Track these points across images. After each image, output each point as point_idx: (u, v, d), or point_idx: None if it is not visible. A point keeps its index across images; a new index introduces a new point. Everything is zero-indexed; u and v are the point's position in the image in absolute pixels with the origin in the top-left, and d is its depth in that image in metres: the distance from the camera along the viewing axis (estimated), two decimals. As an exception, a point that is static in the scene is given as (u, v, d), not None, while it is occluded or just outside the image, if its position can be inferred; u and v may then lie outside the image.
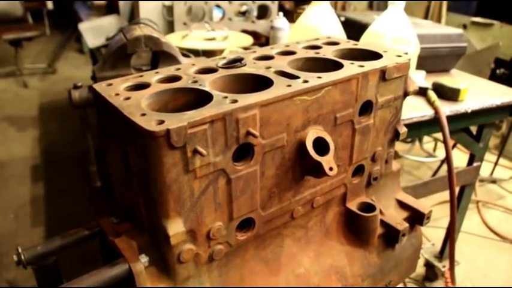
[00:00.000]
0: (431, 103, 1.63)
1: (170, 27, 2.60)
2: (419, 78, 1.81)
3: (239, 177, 0.74)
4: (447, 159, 1.60)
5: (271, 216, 0.83)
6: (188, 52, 1.80)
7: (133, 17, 2.88)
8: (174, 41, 2.10)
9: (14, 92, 5.10)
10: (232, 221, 0.77)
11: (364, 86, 0.88)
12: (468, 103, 1.69)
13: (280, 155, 0.79)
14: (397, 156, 3.19)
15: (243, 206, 0.77)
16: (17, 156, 3.59)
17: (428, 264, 2.24)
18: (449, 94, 1.72)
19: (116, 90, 0.79)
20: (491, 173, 3.23)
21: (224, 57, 0.96)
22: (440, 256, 2.23)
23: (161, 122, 0.64)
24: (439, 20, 3.97)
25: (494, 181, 3.21)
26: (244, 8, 2.69)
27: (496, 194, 3.09)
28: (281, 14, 2.19)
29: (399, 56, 0.97)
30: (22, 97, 4.95)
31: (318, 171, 0.78)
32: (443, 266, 2.16)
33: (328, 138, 0.82)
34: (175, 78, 0.84)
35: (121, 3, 3.06)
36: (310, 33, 1.57)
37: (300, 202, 0.88)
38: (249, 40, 2.13)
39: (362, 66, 0.89)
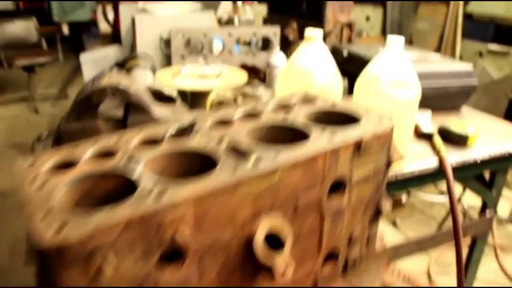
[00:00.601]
0: (436, 151, 1.49)
1: (168, 60, 2.52)
2: (424, 121, 1.66)
3: (167, 284, 0.61)
4: (452, 216, 1.43)
5: (215, 324, 0.69)
6: (177, 93, 1.69)
7: (133, 47, 2.83)
8: (165, 78, 2.00)
9: (25, 118, 5.12)
10: (162, 336, 0.63)
11: (334, 163, 0.74)
12: (477, 150, 1.53)
13: (224, 255, 0.66)
14: (402, 201, 3.01)
15: (175, 318, 0.64)
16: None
17: (438, 320, 2.05)
18: (456, 140, 1.57)
19: (36, 171, 0.68)
20: (511, 213, 3.00)
21: (177, 122, 0.84)
22: (451, 311, 2.03)
23: (62, 228, 0.52)
24: (453, 48, 3.78)
25: (514, 221, 2.99)
26: (250, 38, 2.59)
27: (517, 237, 2.87)
28: (277, 48, 2.07)
29: (381, 120, 0.83)
30: (32, 123, 4.96)
31: (270, 274, 0.65)
32: (454, 323, 1.97)
33: (285, 231, 0.68)
34: (110, 154, 0.72)
35: (123, 33, 3.02)
36: (301, 77, 1.45)
37: (255, 302, 0.74)
38: (243, 77, 2.01)
39: (333, 136, 0.76)
